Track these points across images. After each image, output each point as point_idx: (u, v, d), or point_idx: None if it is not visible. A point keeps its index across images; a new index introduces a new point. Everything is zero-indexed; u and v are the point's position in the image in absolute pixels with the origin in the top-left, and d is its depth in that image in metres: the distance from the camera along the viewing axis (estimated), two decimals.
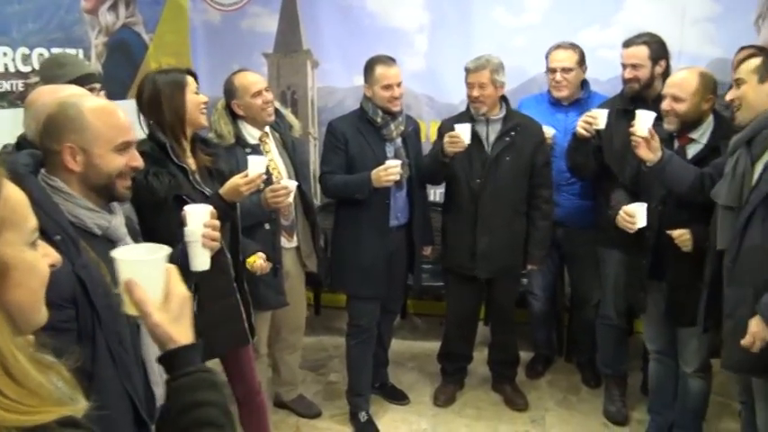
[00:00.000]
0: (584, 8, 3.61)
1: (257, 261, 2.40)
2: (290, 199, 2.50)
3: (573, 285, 3.50)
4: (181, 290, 1.03)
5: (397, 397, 3.30)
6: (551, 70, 3.10)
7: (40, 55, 2.91)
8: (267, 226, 2.67)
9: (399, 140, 2.89)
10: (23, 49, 2.84)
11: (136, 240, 1.52)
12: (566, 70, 3.05)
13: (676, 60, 3.15)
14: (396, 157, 2.84)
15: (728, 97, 2.15)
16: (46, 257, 0.84)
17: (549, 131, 3.05)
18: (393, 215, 2.90)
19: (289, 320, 3.02)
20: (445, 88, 3.86)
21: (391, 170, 2.65)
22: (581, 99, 3.15)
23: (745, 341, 1.93)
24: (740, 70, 2.12)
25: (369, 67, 2.85)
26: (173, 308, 1.00)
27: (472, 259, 2.97)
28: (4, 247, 0.74)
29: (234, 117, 2.69)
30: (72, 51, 3.09)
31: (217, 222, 1.70)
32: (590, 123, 2.75)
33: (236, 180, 2.18)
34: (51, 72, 2.35)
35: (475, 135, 2.89)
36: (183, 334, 1.00)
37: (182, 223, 1.67)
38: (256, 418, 2.51)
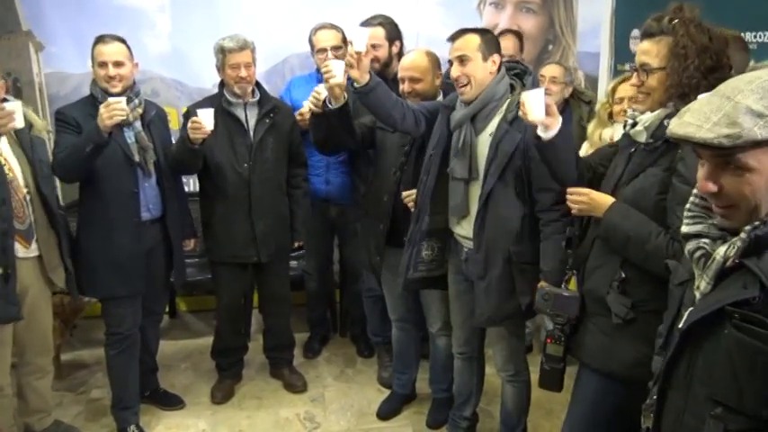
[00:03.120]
0: None
1: None
2: (17, 123, 2.18)
3: (344, 261, 3.60)
4: None
5: (171, 402, 3.10)
6: (321, 50, 3.08)
7: None
8: None
9: (139, 124, 2.67)
10: None
11: None
12: (335, 48, 3.07)
13: (415, 41, 3.37)
14: (137, 143, 2.64)
15: (454, 75, 2.21)
16: None
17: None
18: (144, 207, 2.70)
19: (34, 341, 2.65)
20: (195, 72, 3.68)
21: (114, 106, 2.39)
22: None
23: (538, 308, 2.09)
24: (462, 48, 2.16)
25: (92, 48, 2.60)
26: None
27: (251, 245, 2.92)
28: None
29: None
30: None
31: None
32: (317, 99, 2.73)
33: None
34: None
35: (236, 120, 2.84)
36: None
37: None
38: None
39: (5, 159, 2.39)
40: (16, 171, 2.42)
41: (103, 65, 2.55)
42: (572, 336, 1.88)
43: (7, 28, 3.54)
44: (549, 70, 3.20)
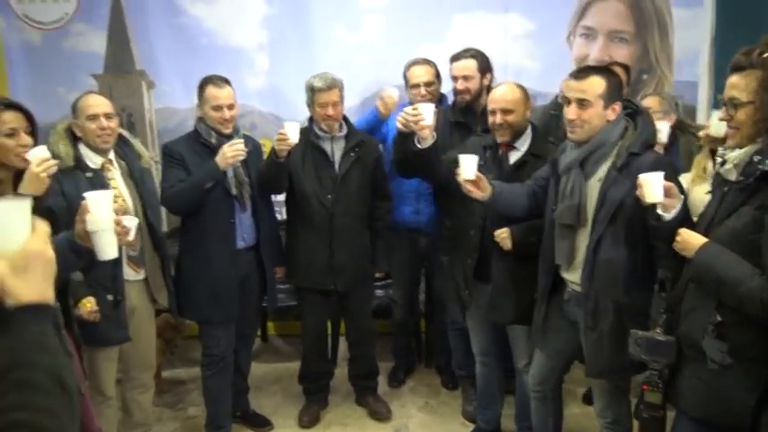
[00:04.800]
0: (417, 26, 3.78)
1: (87, 305, 2.30)
2: (131, 237, 2.29)
3: (431, 292, 3.61)
4: (36, 246, 0.90)
5: (260, 423, 3.21)
6: (414, 86, 3.15)
7: None
8: None
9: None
10: None
11: None
12: (428, 84, 3.13)
13: (503, 73, 3.38)
14: (235, 177, 2.79)
15: (570, 116, 2.12)
16: None
17: None
18: (239, 236, 2.84)
19: (138, 358, 2.83)
20: (290, 106, 3.84)
21: (236, 146, 2.61)
22: None
23: None
24: (585, 91, 2.08)
25: (200, 88, 2.79)
26: (17, 258, 0.88)
27: (330, 273, 3.00)
28: None
29: (76, 139, 2.52)
30: None
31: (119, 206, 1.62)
32: (406, 119, 2.71)
33: (31, 171, 1.95)
34: None
35: (323, 153, 2.95)
36: (25, 290, 0.88)
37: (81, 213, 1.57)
38: None
39: (119, 192, 2.60)
40: (128, 202, 2.61)
41: (219, 108, 2.73)
42: (670, 382, 1.79)
43: (123, 68, 3.87)
44: (645, 102, 3.03)
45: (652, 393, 1.81)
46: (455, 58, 3.05)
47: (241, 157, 2.62)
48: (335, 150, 2.99)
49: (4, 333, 0.87)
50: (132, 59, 3.87)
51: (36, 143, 2.01)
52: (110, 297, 2.49)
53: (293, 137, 2.70)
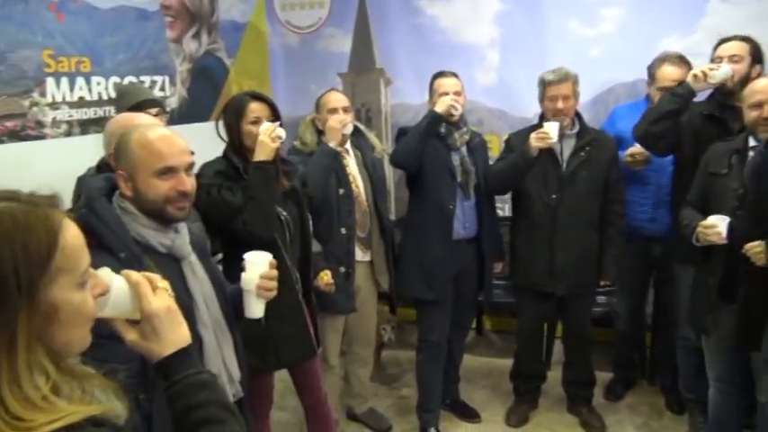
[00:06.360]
0: (663, 16, 3.47)
1: (324, 278, 2.55)
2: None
3: (661, 303, 3.33)
4: (151, 306, 1.02)
5: (469, 414, 3.26)
6: (662, 88, 2.90)
7: (131, 82, 3.14)
8: (343, 230, 2.77)
9: (464, 150, 2.91)
10: (115, 78, 3.09)
11: (202, 257, 1.59)
12: (674, 82, 2.84)
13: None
14: (461, 165, 2.87)
15: None
16: (96, 288, 0.91)
17: None
18: (460, 224, 2.90)
19: (360, 335, 3.08)
20: (518, 102, 3.81)
21: (456, 99, 2.78)
22: None
23: None
24: None
25: (430, 83, 2.93)
26: (144, 327, 1.02)
27: (550, 276, 2.92)
28: (56, 290, 0.79)
29: (319, 132, 2.81)
30: (158, 78, 3.36)
31: (275, 273, 1.65)
32: (711, 69, 2.54)
33: (259, 139, 2.16)
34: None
35: (549, 151, 2.85)
36: (162, 346, 1.02)
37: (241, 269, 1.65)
38: (321, 428, 2.58)
39: (353, 177, 2.84)
40: (361, 187, 2.86)
41: (444, 93, 2.84)
42: None
43: (365, 66, 4.18)
44: None
45: None
46: (724, 41, 2.73)
47: (458, 107, 2.76)
48: (564, 149, 2.90)
49: (169, 383, 1.02)
50: (373, 58, 4.16)
51: None
52: (342, 269, 2.73)
53: (554, 135, 2.71)
